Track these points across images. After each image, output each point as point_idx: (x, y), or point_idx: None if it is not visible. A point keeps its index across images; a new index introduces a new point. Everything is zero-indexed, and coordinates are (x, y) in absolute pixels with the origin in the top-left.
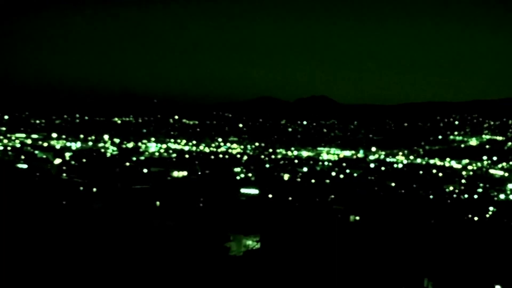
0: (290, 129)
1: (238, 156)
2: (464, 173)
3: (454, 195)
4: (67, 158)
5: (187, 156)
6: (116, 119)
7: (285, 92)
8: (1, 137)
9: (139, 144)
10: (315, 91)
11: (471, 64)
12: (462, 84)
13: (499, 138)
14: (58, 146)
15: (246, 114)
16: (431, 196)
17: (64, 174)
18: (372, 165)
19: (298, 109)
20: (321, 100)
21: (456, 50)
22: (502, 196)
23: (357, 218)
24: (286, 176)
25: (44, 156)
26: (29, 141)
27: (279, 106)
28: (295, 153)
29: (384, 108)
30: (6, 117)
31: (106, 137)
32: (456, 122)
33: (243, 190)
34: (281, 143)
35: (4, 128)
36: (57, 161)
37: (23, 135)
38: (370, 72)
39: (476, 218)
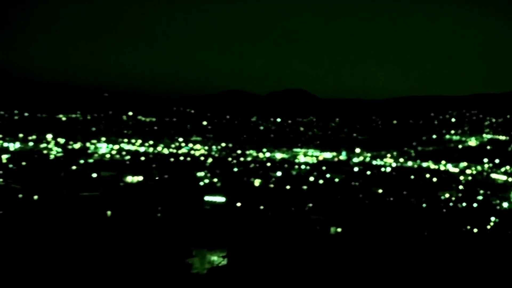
0: (261, 127)
1: (202, 158)
2: (462, 178)
3: (451, 204)
4: (4, 160)
5: (142, 158)
6: (60, 115)
7: (256, 84)
8: None
9: (87, 144)
10: (291, 84)
11: (471, 53)
12: (460, 76)
13: (502, 137)
14: None
15: (211, 109)
16: (424, 205)
17: (1, 179)
18: (356, 169)
19: (271, 104)
20: (298, 94)
21: (453, 37)
22: (505, 205)
23: (339, 230)
24: (257, 182)
25: None
26: None
27: (249, 100)
28: (268, 155)
29: (370, 103)
30: None
31: (49, 136)
32: (453, 120)
33: (207, 198)
34: (252, 144)
35: None
36: None
37: None
38: (353, 62)
39: (475, 230)
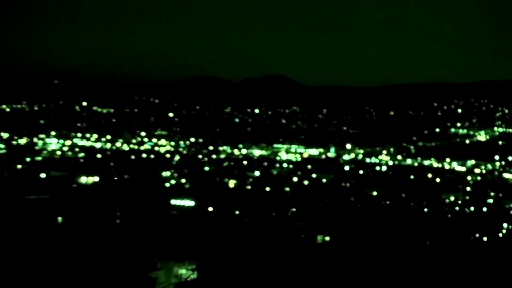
0: (237, 120)
1: (168, 156)
2: (469, 178)
3: (457, 208)
4: None
5: (99, 156)
6: (3, 106)
7: (230, 70)
8: None
9: (35, 140)
10: (271, 69)
11: (481, 32)
12: (468, 59)
13: None
14: None
15: (179, 99)
16: (425, 209)
17: None
18: (347, 168)
19: (247, 93)
20: (279, 80)
21: (461, 12)
22: None
23: (327, 238)
24: (231, 183)
25: None
26: None
27: (223, 88)
28: (244, 151)
29: (363, 92)
30: None
31: None
32: (459, 110)
33: (174, 202)
34: (225, 139)
35: None
36: None
37: None
38: (344, 43)
39: (485, 239)
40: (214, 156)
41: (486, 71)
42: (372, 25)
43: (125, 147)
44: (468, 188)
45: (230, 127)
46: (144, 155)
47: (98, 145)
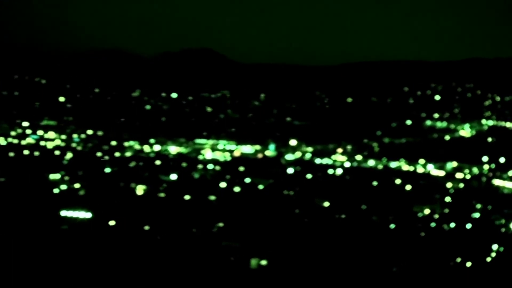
0: (148, 107)
1: (57, 152)
2: (449, 185)
3: (432, 224)
4: None
5: None
6: None
7: (140, 41)
8: None
9: None
10: (193, 41)
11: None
12: (450, 32)
13: (510, 125)
14: None
15: (72, 78)
16: (392, 226)
17: None
18: (290, 171)
19: (162, 72)
20: (203, 55)
21: None
22: None
23: (263, 263)
24: (140, 189)
25: None
26: None
27: (130, 65)
28: (157, 148)
29: (312, 72)
30: None
31: None
32: (437, 97)
33: (65, 213)
34: (133, 131)
35: None
36: None
37: None
38: (288, 10)
39: (469, 264)
40: (117, 154)
41: (472, 47)
42: None
43: (1, 141)
44: (448, 199)
45: (139, 116)
46: (26, 152)
47: None
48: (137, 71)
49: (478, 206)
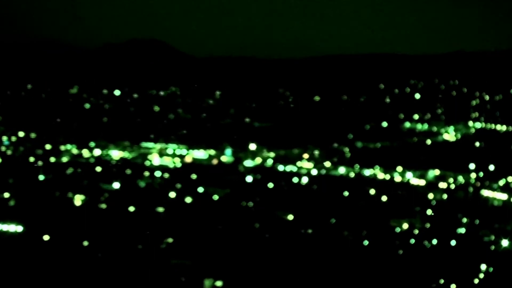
0: (87, 105)
1: None
2: (431, 196)
3: (412, 240)
4: None
5: None
6: None
7: (80, 31)
8: None
9: None
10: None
11: None
12: (432, 22)
13: (500, 127)
14: None
15: (1, 73)
16: (365, 242)
17: None
18: (249, 179)
19: (104, 65)
20: (151, 47)
21: None
22: (505, 243)
23: (218, 284)
24: (78, 199)
25: None
26: None
27: (68, 57)
28: (97, 152)
29: (274, 65)
30: None
31: None
32: (418, 96)
33: None
34: (70, 133)
35: None
36: None
37: None
38: None
39: (453, 287)
40: (52, 160)
41: (457, 39)
42: None
43: None
44: (429, 211)
45: (77, 116)
46: None
47: None
48: (75, 65)
49: (464, 220)
